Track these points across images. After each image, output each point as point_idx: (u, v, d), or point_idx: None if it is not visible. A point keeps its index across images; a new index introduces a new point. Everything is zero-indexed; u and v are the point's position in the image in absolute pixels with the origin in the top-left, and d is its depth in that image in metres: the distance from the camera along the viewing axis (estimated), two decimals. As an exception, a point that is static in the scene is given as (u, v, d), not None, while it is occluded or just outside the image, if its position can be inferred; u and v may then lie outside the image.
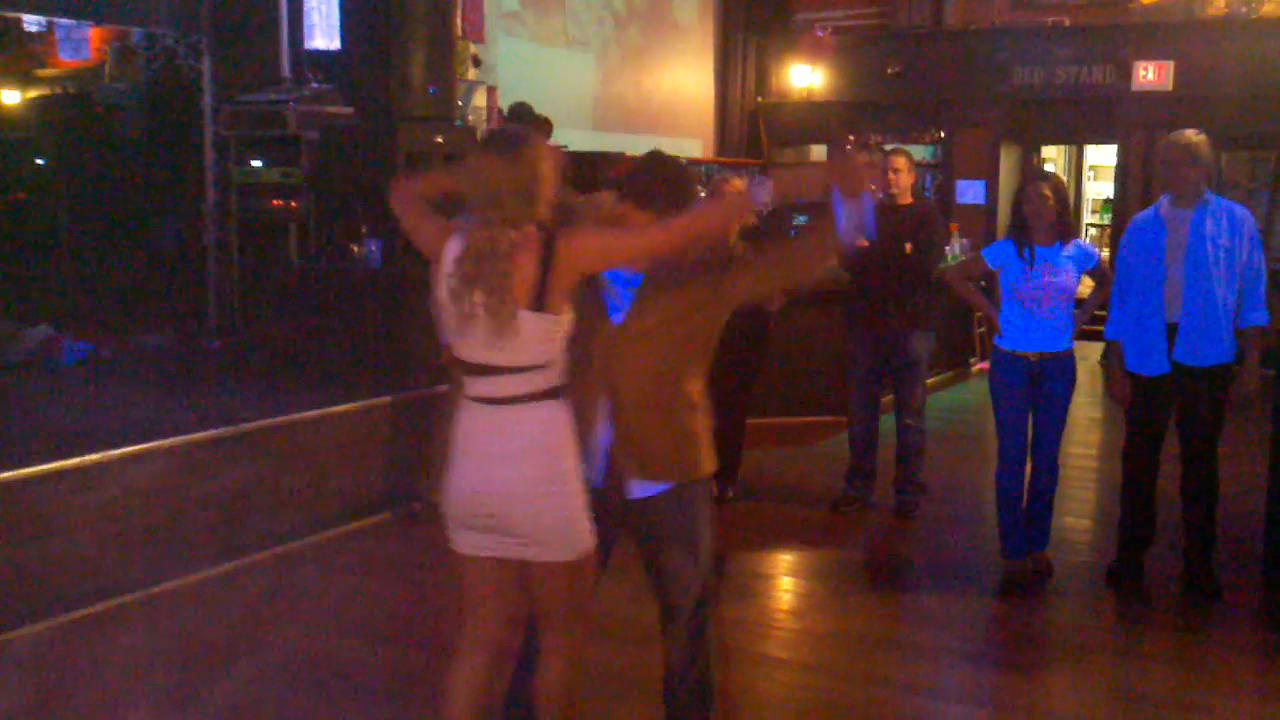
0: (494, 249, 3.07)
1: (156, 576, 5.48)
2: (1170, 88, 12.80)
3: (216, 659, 4.77)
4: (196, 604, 5.38)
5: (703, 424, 3.54)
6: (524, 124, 9.28)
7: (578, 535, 3.20)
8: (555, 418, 3.17)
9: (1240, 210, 5.36)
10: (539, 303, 3.08)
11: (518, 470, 3.14)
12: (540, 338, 3.11)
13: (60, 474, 5.20)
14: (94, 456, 5.33)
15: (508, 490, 3.14)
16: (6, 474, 4.99)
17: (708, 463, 3.56)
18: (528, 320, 3.08)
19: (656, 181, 3.38)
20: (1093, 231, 16.86)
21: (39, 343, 8.06)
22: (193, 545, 5.71)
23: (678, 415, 3.45)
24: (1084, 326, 5.67)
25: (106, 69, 10.32)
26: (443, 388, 6.71)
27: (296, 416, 6.32)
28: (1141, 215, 5.56)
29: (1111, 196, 14.91)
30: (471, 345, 3.15)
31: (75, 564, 5.23)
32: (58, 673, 4.65)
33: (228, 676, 4.60)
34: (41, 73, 11.09)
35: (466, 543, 3.26)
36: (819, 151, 15.12)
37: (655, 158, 3.49)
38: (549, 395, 3.15)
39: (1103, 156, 16.53)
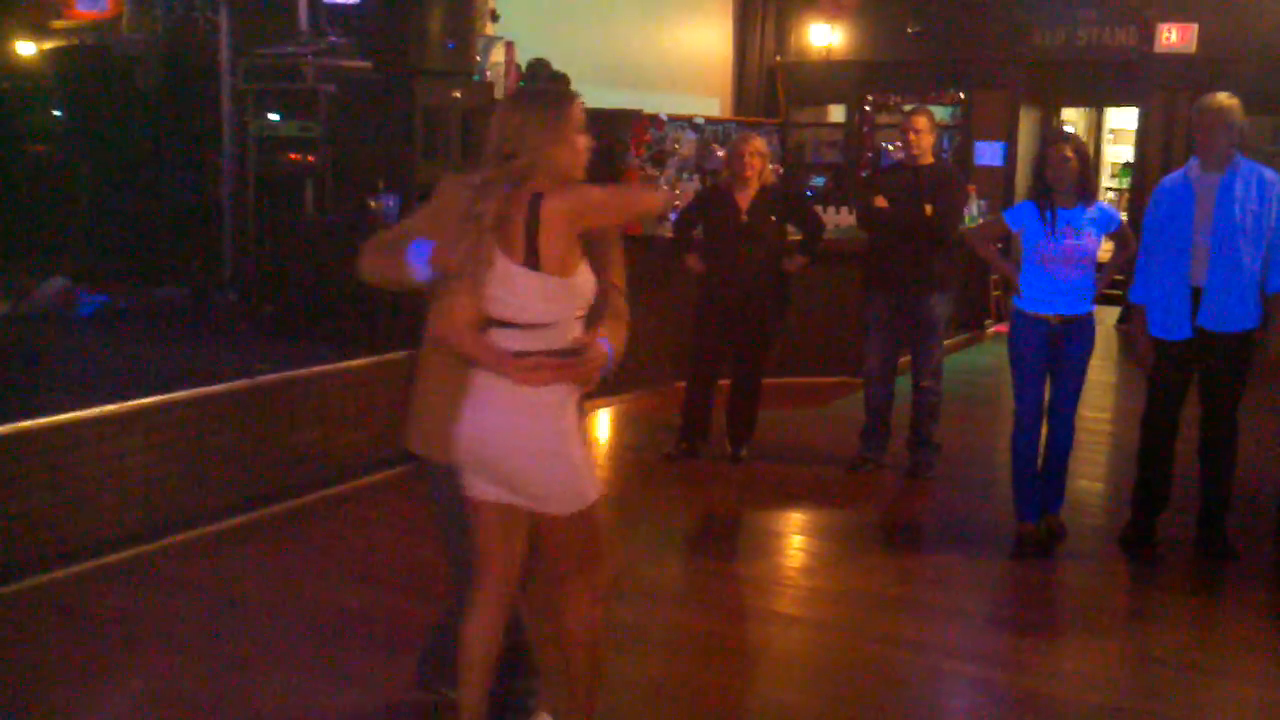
0: (487, 206, 3.12)
1: (172, 527, 5.52)
2: (1194, 50, 12.65)
3: (233, 609, 4.81)
4: (213, 555, 5.42)
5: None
6: (542, 80, 9.25)
7: (583, 488, 3.25)
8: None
9: (1270, 174, 5.30)
10: (532, 261, 3.10)
11: (521, 424, 3.18)
12: (542, 297, 3.13)
13: (77, 424, 5.22)
14: (110, 408, 5.35)
15: (511, 443, 3.19)
16: (25, 423, 5.01)
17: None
18: (523, 277, 3.11)
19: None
20: (1111, 195, 16.75)
21: (56, 294, 8.08)
22: (209, 497, 5.74)
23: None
24: (1101, 290, 5.63)
25: (124, 21, 10.26)
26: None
27: (312, 370, 6.34)
28: (1169, 178, 5.51)
29: (1131, 160, 14.80)
30: (488, 300, 3.16)
31: (90, 514, 5.27)
32: (73, 621, 4.69)
33: (244, 626, 4.64)
34: (58, 24, 11.04)
35: (478, 488, 3.29)
36: (837, 111, 15.02)
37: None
38: (556, 355, 3.16)
39: (1123, 119, 16.40)
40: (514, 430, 3.18)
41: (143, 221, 9.27)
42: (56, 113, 10.13)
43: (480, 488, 3.29)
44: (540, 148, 3.14)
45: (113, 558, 5.22)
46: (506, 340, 3.16)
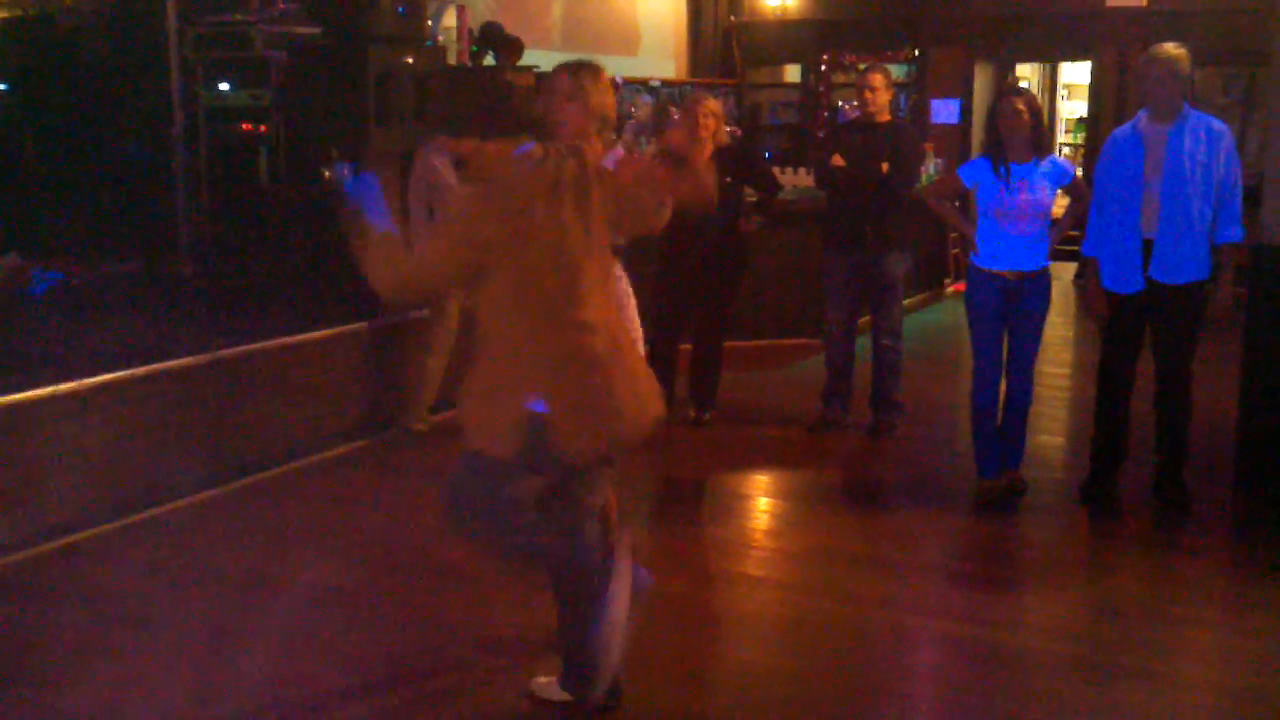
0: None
1: (136, 505, 5.48)
2: (1144, 3, 12.73)
3: (201, 586, 4.79)
4: (178, 533, 5.38)
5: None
6: (494, 44, 9.18)
7: None
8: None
9: (1219, 125, 5.34)
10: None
11: None
12: None
13: (36, 403, 5.16)
14: (68, 385, 5.29)
15: None
16: (-19, 404, 4.95)
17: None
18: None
19: (469, 111, 3.46)
20: (1066, 150, 16.83)
21: (8, 272, 7.96)
22: (172, 474, 5.69)
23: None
24: (1055, 246, 5.67)
25: (68, -10, 10.10)
26: (422, 313, 6.70)
27: (271, 343, 6.29)
28: (1119, 130, 5.54)
29: (1085, 115, 14.88)
30: None
31: (53, 493, 5.21)
32: (42, 601, 4.65)
33: (213, 603, 4.62)
34: (0, -4, 10.84)
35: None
36: (793, 71, 15.00)
37: (469, 88, 3.56)
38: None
39: (1077, 74, 16.47)
40: None
41: (94, 195, 9.15)
42: (1, 86, 9.95)
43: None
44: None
45: (77, 536, 5.17)
46: None
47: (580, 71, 3.51)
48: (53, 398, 5.22)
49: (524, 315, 3.33)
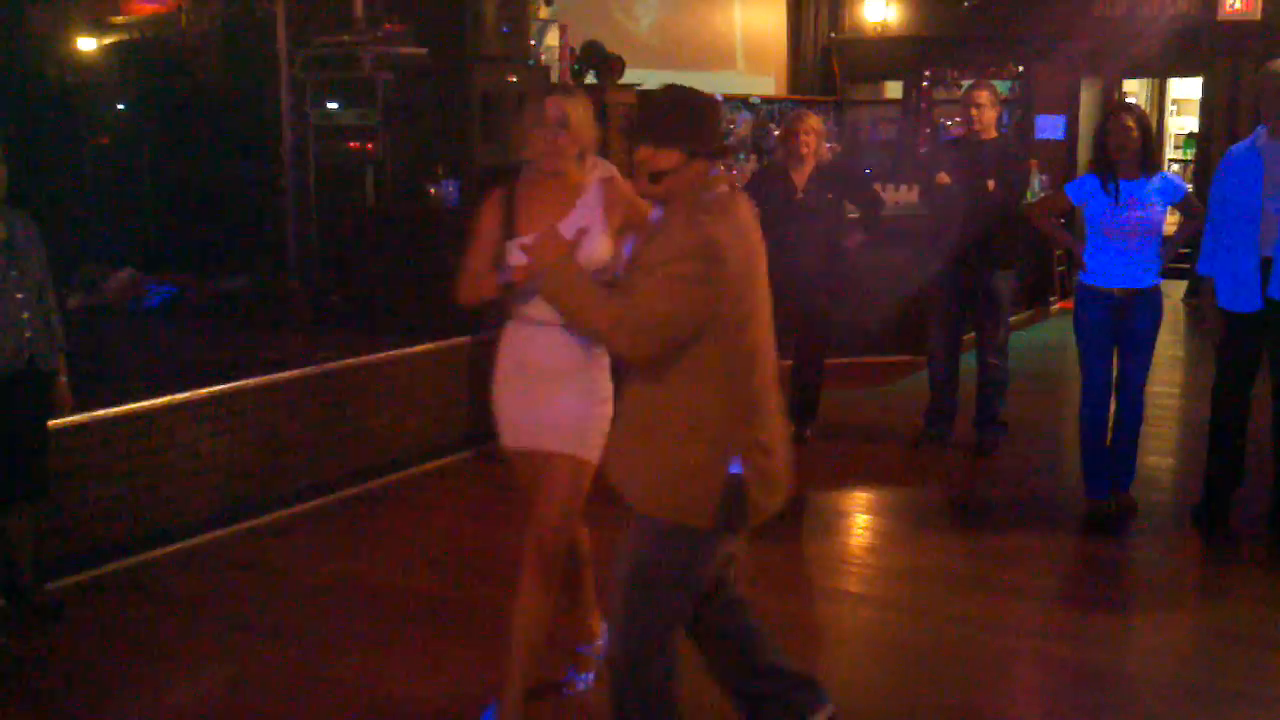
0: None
1: (246, 513, 5.61)
2: (1258, 16, 12.40)
3: (307, 593, 4.89)
4: (286, 540, 5.50)
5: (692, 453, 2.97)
6: (595, 63, 9.25)
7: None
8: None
9: (1342, 142, 5.19)
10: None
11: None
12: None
13: (152, 412, 5.31)
14: (183, 396, 5.44)
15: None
16: (101, 412, 5.11)
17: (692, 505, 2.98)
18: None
19: (677, 116, 2.98)
20: (1175, 167, 16.49)
21: (125, 285, 8.22)
22: (280, 482, 5.82)
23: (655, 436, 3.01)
24: (1167, 263, 5.55)
25: (183, 14, 10.40)
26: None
27: (377, 356, 6.40)
28: (1236, 147, 5.41)
29: (1194, 131, 14.55)
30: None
31: (166, 500, 5.36)
32: (153, 604, 4.78)
33: (318, 609, 4.71)
34: (118, 19, 11.19)
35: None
36: (893, 88, 14.89)
37: (674, 90, 3.05)
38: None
39: (1186, 89, 16.13)
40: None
41: (206, 212, 9.40)
42: (120, 106, 10.28)
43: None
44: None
45: (189, 542, 5.32)
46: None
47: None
48: (168, 407, 5.38)
49: (729, 379, 2.96)
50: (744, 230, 2.98)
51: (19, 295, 4.36)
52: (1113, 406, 5.66)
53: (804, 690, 3.37)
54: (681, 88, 3.03)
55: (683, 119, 2.95)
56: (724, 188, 3.03)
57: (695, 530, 2.98)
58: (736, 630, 3.34)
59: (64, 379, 4.59)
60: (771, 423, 3.07)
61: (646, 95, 3.21)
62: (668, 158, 2.92)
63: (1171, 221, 5.67)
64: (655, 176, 2.93)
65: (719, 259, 2.85)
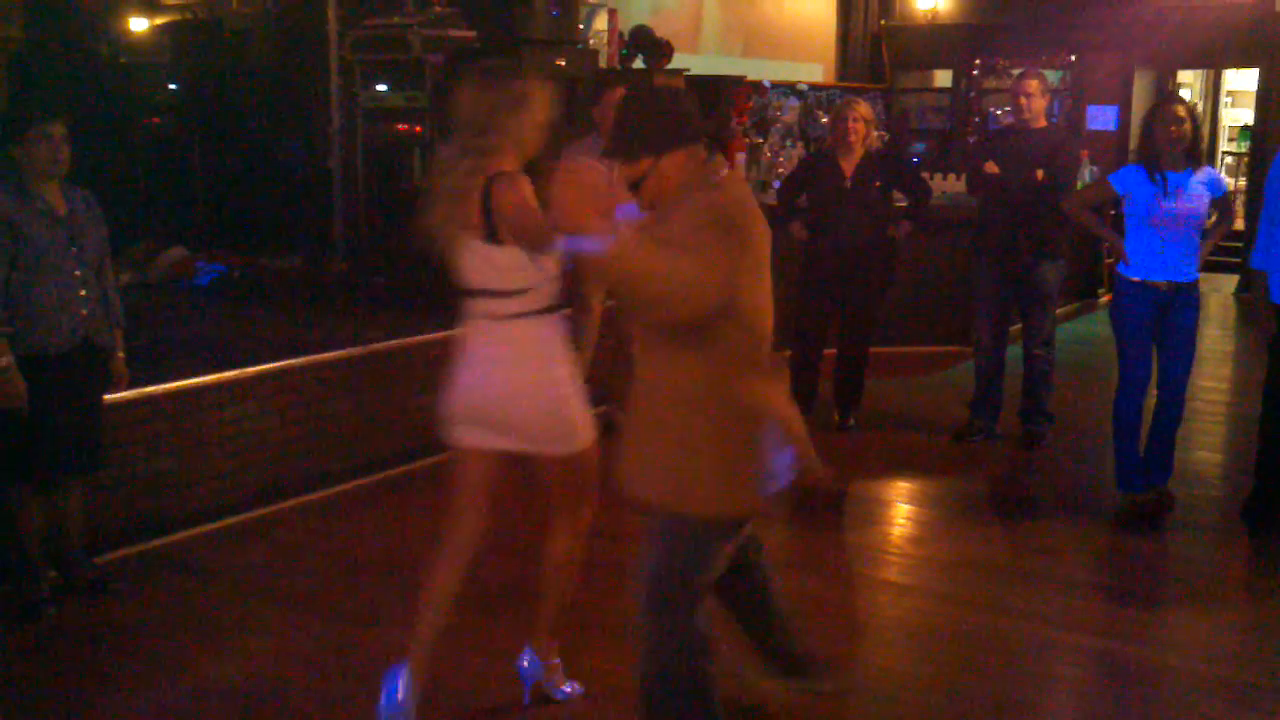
0: (452, 185, 3.45)
1: (290, 491, 5.66)
2: (1318, 8, 12.22)
3: (350, 571, 4.93)
4: (330, 518, 5.54)
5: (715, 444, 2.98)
6: (644, 48, 9.24)
7: (574, 431, 3.54)
8: (546, 332, 3.49)
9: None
10: (493, 238, 3.38)
11: (514, 374, 3.48)
12: (513, 267, 3.40)
13: (199, 390, 5.37)
14: (230, 374, 5.50)
15: (506, 391, 3.48)
16: (150, 389, 5.16)
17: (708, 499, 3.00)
18: (485, 251, 3.41)
19: (633, 123, 2.97)
20: (1229, 160, 16.28)
21: (175, 263, 8.31)
22: (324, 461, 5.87)
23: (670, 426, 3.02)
24: (1204, 260, 5.48)
25: (235, -5, 10.50)
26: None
27: (422, 338, 6.43)
28: (1292, 139, 5.34)
29: (1250, 123, 14.35)
30: (464, 271, 3.50)
31: (212, 477, 5.42)
32: (197, 580, 4.84)
33: (362, 588, 4.75)
34: (171, 0, 11.31)
35: (470, 436, 3.60)
36: (943, 76, 14.78)
37: (628, 99, 3.05)
38: (540, 312, 3.47)
39: (1242, 81, 15.91)
40: (510, 378, 3.48)
41: (256, 192, 9.47)
42: (171, 86, 10.37)
43: (476, 435, 3.58)
44: (507, 127, 3.43)
45: (233, 519, 5.38)
46: (492, 307, 3.46)
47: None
48: (216, 385, 5.43)
49: (750, 366, 3.05)
50: (750, 211, 3.02)
51: (77, 272, 4.41)
52: (1153, 401, 5.59)
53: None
54: (636, 92, 3.14)
55: (638, 124, 2.97)
56: (724, 172, 3.06)
57: (720, 520, 3.05)
58: (753, 609, 3.55)
59: (121, 354, 4.63)
60: (779, 403, 3.18)
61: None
62: (638, 167, 2.95)
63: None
64: (633, 186, 2.97)
65: (736, 226, 2.91)
